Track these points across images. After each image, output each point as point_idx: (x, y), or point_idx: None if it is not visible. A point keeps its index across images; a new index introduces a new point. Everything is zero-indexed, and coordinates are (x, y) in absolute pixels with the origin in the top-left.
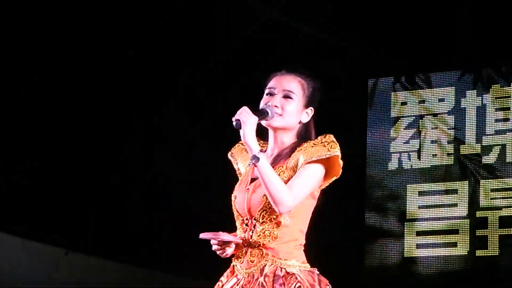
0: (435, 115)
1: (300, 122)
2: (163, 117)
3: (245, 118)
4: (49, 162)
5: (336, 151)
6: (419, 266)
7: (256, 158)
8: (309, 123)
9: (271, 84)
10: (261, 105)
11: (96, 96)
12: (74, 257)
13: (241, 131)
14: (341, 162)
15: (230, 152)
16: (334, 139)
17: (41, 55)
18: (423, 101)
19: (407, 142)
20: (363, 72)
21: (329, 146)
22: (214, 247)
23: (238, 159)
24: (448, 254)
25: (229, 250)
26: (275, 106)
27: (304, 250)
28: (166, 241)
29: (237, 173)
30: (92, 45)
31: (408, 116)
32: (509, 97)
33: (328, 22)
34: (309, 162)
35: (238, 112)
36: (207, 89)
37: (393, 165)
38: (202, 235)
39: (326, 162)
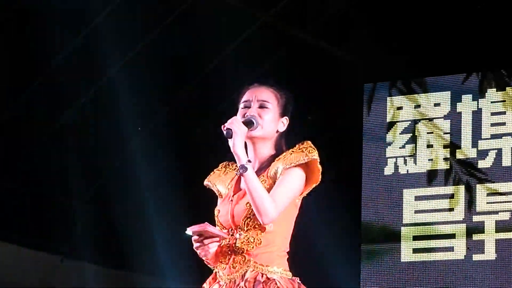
0: (430, 119)
1: (277, 132)
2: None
3: (237, 128)
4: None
5: (314, 155)
6: (416, 271)
7: (244, 168)
8: (283, 134)
9: (245, 97)
10: (239, 118)
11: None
12: (70, 264)
13: (230, 141)
14: (319, 167)
15: (206, 180)
16: (312, 145)
17: None
18: (418, 106)
19: (403, 146)
20: (359, 78)
21: (307, 151)
22: (195, 245)
23: (216, 183)
24: (445, 259)
25: (211, 249)
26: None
27: (288, 258)
28: (163, 248)
29: (218, 194)
30: None
31: (404, 121)
32: (505, 101)
33: (324, 27)
34: (288, 169)
35: (229, 121)
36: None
37: (389, 169)
38: (190, 229)
39: (305, 168)
